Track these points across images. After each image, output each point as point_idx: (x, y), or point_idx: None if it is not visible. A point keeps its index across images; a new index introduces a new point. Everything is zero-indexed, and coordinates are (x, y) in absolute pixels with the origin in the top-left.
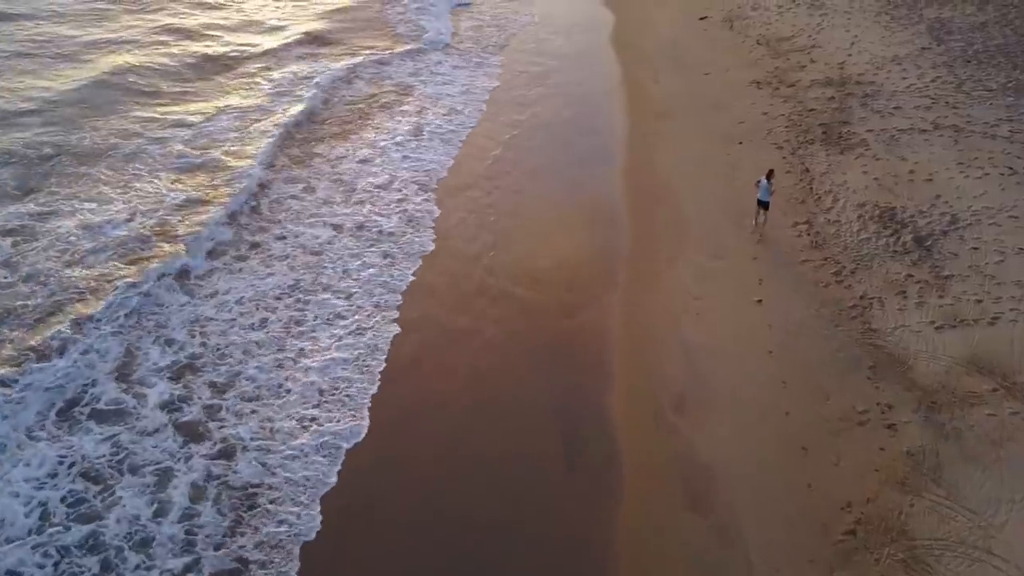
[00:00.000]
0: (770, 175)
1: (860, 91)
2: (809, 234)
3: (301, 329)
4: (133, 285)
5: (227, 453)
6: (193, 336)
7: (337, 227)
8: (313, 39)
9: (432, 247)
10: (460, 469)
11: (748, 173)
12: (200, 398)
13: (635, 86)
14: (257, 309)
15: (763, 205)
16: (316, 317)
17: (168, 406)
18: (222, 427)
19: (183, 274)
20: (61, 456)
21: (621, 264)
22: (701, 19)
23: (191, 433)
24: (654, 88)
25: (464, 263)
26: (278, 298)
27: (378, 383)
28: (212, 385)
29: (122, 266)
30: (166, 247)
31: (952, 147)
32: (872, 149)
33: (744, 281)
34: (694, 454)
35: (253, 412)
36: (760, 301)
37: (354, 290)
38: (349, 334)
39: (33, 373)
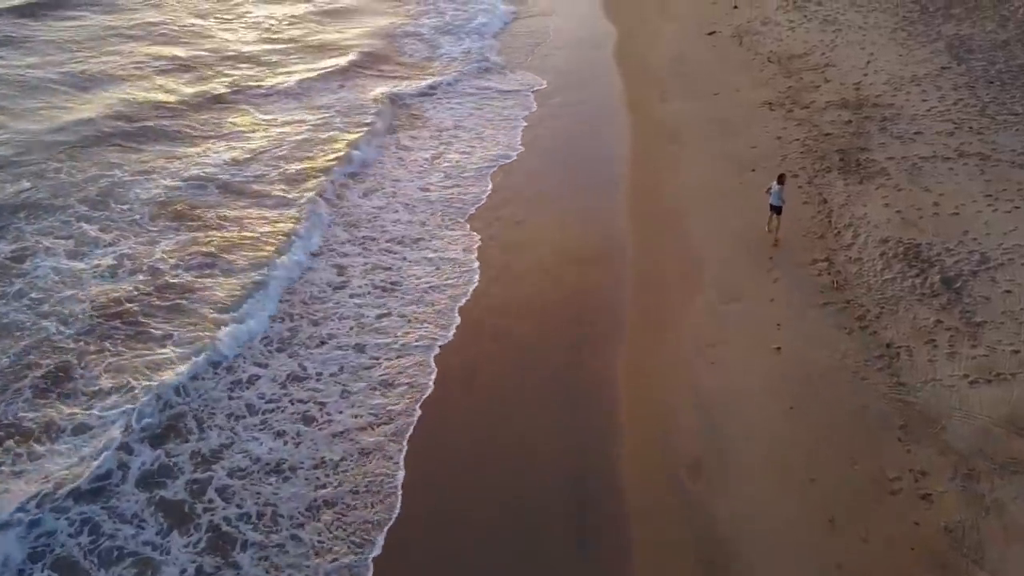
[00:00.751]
0: (781, 179)
1: (878, 114)
2: (829, 273)
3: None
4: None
5: None
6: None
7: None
8: (341, 70)
9: None
10: (460, 546)
11: (762, 203)
12: None
13: (640, 106)
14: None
15: (776, 211)
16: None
17: None
18: None
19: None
20: None
21: (628, 305)
22: (709, 34)
23: None
24: (661, 109)
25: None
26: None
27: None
28: None
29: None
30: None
31: (978, 177)
32: (893, 178)
33: (761, 325)
34: (712, 528)
35: None
36: (779, 349)
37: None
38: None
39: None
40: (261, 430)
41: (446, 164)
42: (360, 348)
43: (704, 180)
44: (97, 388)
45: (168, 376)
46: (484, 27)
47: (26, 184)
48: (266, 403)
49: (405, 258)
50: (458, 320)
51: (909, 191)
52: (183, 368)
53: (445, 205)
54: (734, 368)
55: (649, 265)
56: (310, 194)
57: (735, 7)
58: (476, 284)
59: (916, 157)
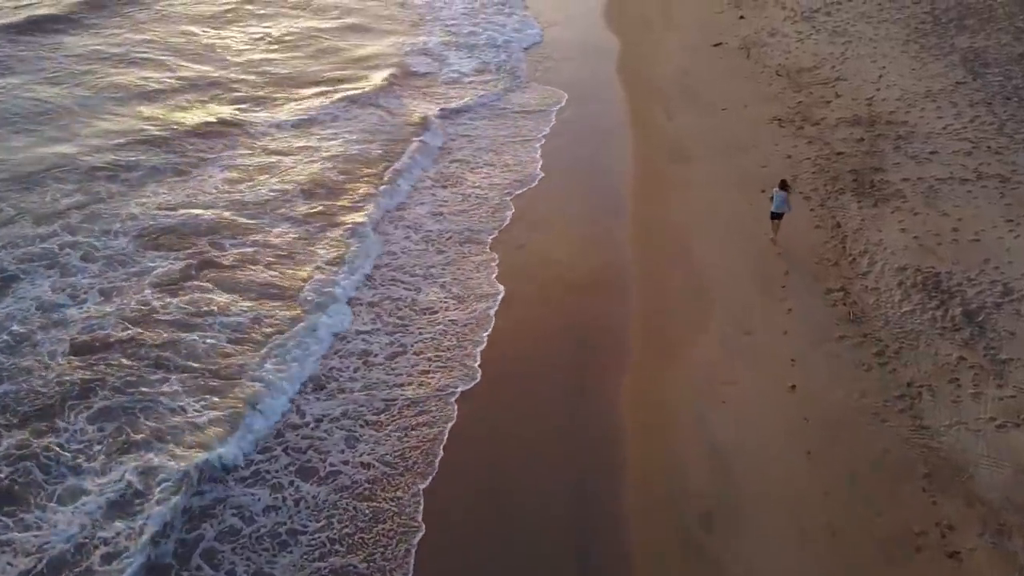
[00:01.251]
0: (784, 186)
1: (892, 132)
2: (845, 304)
3: None
4: None
5: None
6: None
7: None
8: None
9: None
10: None
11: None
12: None
13: (645, 123)
14: None
15: (777, 217)
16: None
17: None
18: None
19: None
20: None
21: (633, 337)
22: (715, 46)
23: None
24: (667, 126)
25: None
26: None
27: None
28: None
29: None
30: None
31: (998, 201)
32: (909, 201)
33: (775, 362)
34: None
35: None
36: (794, 387)
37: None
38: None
39: None
40: None
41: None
42: (369, 387)
43: (712, 202)
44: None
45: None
46: (511, 43)
47: (10, 211)
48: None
49: (420, 288)
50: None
51: (926, 215)
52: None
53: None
54: (747, 408)
55: (656, 294)
56: (357, 220)
57: (741, 17)
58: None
59: (932, 179)
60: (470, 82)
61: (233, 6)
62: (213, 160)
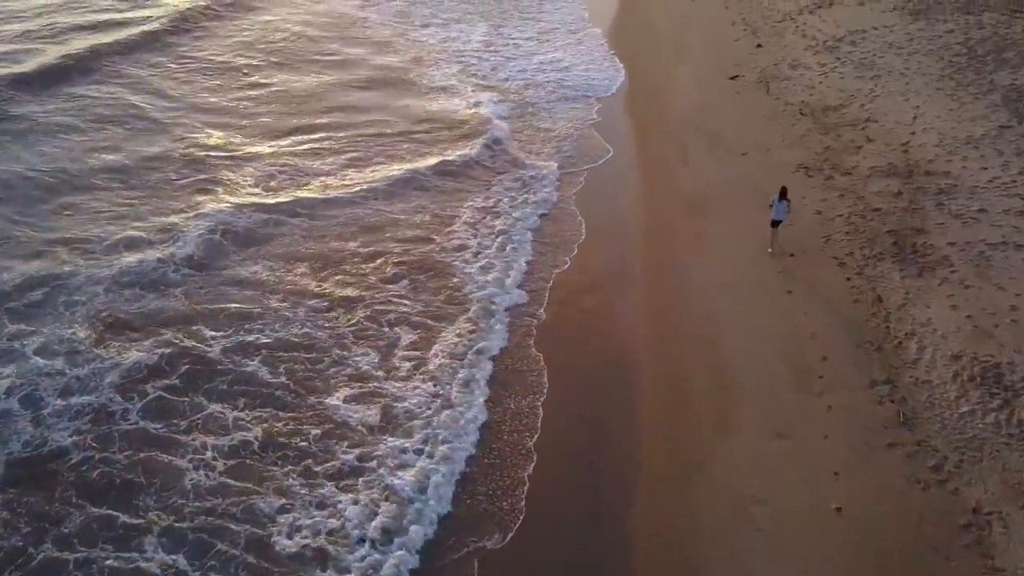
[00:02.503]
0: (784, 194)
1: (932, 185)
2: (893, 400)
3: None
4: None
5: None
6: None
7: None
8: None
9: None
10: None
11: (806, 301)
12: None
13: (659, 169)
14: None
15: (776, 224)
16: None
17: None
18: None
19: None
20: None
21: (649, 446)
22: (732, 79)
23: None
24: (682, 173)
25: None
26: None
27: None
28: None
29: None
30: None
31: None
32: (958, 271)
33: (815, 474)
34: None
35: None
36: (839, 510)
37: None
38: None
39: None
40: None
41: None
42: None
43: (735, 267)
44: None
45: None
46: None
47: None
48: None
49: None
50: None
51: (979, 289)
52: None
53: None
54: (786, 536)
55: (673, 387)
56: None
57: (758, 46)
58: None
59: (983, 243)
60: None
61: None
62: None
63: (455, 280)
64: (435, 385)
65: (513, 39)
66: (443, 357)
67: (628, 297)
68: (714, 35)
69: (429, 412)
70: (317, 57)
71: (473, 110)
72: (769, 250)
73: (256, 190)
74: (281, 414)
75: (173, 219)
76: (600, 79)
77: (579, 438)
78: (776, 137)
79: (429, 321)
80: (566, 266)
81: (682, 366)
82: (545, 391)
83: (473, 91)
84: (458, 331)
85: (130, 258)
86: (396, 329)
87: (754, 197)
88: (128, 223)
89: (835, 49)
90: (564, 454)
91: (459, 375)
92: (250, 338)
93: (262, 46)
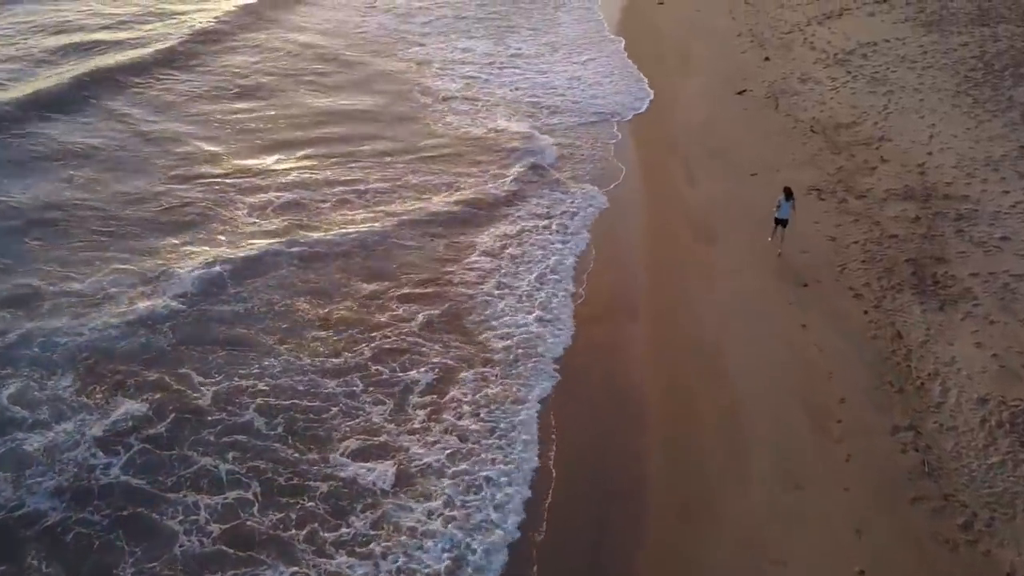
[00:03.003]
0: (789, 194)
1: (951, 209)
2: (917, 449)
3: None
4: None
5: None
6: None
7: None
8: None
9: None
10: None
11: (822, 336)
12: None
13: (664, 190)
14: None
15: (781, 223)
16: None
17: None
18: None
19: None
20: None
21: (655, 496)
22: (739, 93)
23: None
24: (690, 194)
25: None
26: None
27: None
28: None
29: None
30: None
31: None
32: (982, 305)
33: (836, 531)
34: None
35: None
36: (862, 573)
37: None
38: None
39: None
40: None
41: None
42: None
43: (746, 298)
44: None
45: None
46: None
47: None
48: None
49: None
50: None
51: (1004, 325)
52: None
53: None
54: None
55: (681, 431)
56: None
57: (766, 59)
58: None
59: (1007, 274)
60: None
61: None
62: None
63: (472, 317)
64: (457, 437)
65: (530, 53)
66: (463, 404)
67: (635, 332)
68: (720, 47)
69: (451, 468)
70: (323, 78)
71: (499, 131)
72: (779, 252)
73: (252, 219)
74: (281, 470)
75: (163, 255)
76: (624, 98)
77: (583, 494)
78: (786, 156)
79: (449, 362)
80: (581, 300)
81: (692, 408)
82: (554, 443)
83: (502, 112)
84: (478, 374)
85: (116, 297)
86: (411, 373)
87: (763, 222)
88: (114, 259)
89: (846, 63)
90: (569, 515)
91: (483, 422)
92: (245, 383)
93: (265, 67)
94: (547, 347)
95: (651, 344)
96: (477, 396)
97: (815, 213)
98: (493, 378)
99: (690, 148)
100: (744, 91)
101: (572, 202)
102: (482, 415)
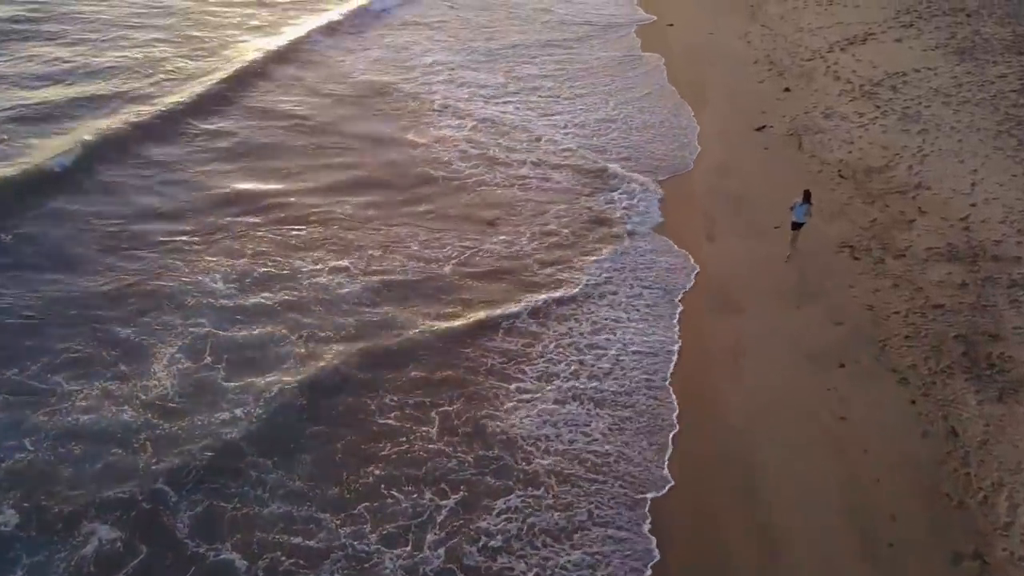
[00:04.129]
0: (807, 197)
1: (1003, 274)
2: None
3: None
4: None
5: None
6: None
7: None
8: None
9: None
10: None
11: (865, 432)
12: None
13: (681, 247)
14: None
15: (797, 227)
16: None
17: None
18: None
19: None
20: None
21: None
22: (758, 130)
23: None
24: (708, 253)
25: None
26: None
27: None
28: None
29: None
30: None
31: None
32: None
33: None
34: None
35: None
36: None
37: None
38: None
39: None
40: None
41: None
42: None
43: (777, 385)
44: None
45: None
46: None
47: None
48: None
49: None
50: None
51: None
52: None
53: None
54: None
55: (703, 557)
56: None
57: (786, 90)
58: None
59: None
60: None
61: None
62: None
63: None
64: None
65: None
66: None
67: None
68: (736, 75)
69: None
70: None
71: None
72: (788, 254)
73: (237, 298)
74: None
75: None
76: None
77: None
78: (813, 206)
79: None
80: None
81: (719, 532)
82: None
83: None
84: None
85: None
86: (429, 498)
87: (792, 285)
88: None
89: (874, 95)
90: None
91: None
92: (226, 508)
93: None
94: None
95: (673, 444)
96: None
97: (849, 275)
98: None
99: (707, 195)
100: (763, 127)
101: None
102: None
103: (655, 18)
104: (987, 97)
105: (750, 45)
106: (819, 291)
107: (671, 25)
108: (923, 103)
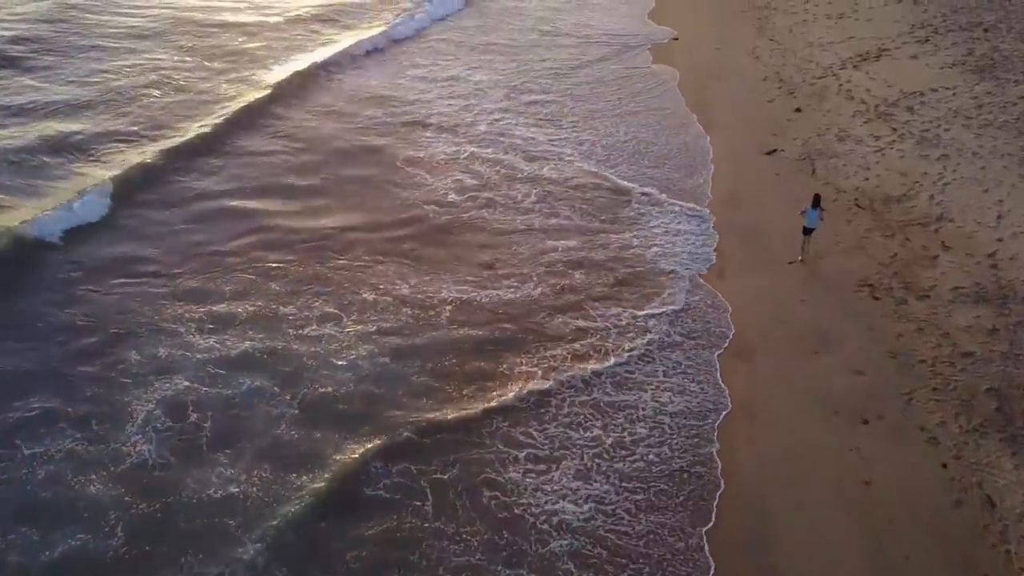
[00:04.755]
0: (817, 201)
1: None
2: None
3: None
4: None
5: None
6: None
7: None
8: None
9: None
10: None
11: (891, 499)
12: None
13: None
14: None
15: (808, 232)
16: None
17: None
18: None
19: None
20: None
21: None
22: (768, 153)
23: None
24: (720, 290)
25: None
26: None
27: None
28: None
29: None
30: None
31: None
32: None
33: None
34: None
35: None
36: None
37: None
38: None
39: None
40: None
41: None
42: None
43: (797, 446)
44: None
45: None
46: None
47: None
48: None
49: None
50: None
51: None
52: None
53: None
54: None
55: None
56: None
57: (798, 110)
58: None
59: None
60: None
61: None
62: None
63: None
64: None
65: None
66: None
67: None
68: (744, 94)
69: None
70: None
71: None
72: (799, 258)
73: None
74: None
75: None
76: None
77: None
78: (829, 238)
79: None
80: None
81: None
82: None
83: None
84: None
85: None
86: None
87: (807, 327)
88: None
89: (890, 117)
90: None
91: None
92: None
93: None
94: None
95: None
96: None
97: (870, 317)
98: None
99: (718, 227)
100: (774, 151)
101: None
102: None
103: (675, 32)
104: (1010, 120)
105: (758, 61)
106: (837, 335)
107: (676, 39)
108: (942, 125)
